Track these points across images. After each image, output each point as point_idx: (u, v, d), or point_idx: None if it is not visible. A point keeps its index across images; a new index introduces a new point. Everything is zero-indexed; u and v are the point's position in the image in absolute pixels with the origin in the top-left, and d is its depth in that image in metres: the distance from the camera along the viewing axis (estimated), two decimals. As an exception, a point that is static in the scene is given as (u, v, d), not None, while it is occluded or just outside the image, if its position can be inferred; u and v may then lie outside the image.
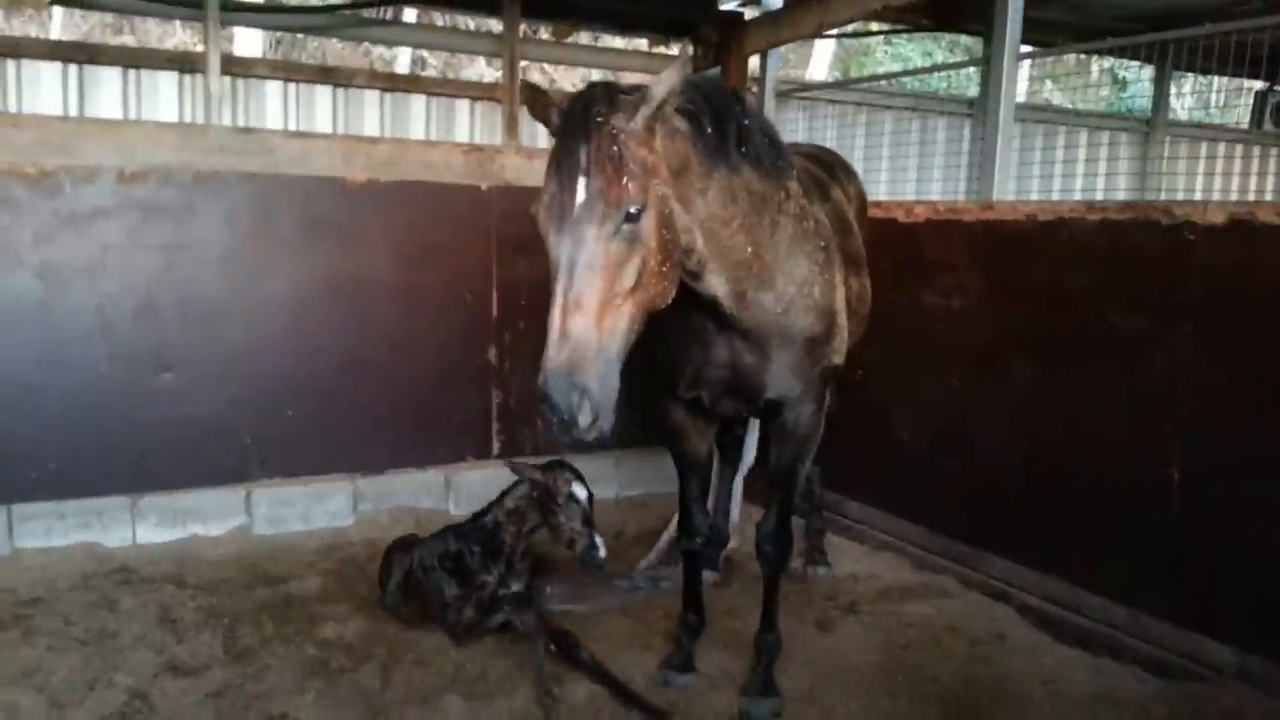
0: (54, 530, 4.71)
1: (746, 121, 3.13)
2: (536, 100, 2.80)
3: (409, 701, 3.44)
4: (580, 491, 3.78)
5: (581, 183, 2.56)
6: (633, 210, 2.59)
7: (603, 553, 3.71)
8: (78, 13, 14.12)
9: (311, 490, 5.23)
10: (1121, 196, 9.83)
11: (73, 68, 7.69)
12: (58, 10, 13.01)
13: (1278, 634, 3.49)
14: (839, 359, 3.54)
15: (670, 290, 2.82)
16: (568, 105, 2.70)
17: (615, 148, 2.61)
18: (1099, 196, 9.66)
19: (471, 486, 5.55)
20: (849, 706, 3.53)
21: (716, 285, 3.07)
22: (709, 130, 2.95)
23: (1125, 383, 4.01)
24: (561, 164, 2.61)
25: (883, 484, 5.25)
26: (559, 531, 3.77)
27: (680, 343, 3.39)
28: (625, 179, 2.59)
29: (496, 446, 5.76)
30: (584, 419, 2.52)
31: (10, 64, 7.47)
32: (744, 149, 3.08)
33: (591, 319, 2.55)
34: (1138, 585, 3.95)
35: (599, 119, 2.61)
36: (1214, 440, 3.70)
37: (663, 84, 2.65)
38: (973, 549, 4.68)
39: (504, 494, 4.00)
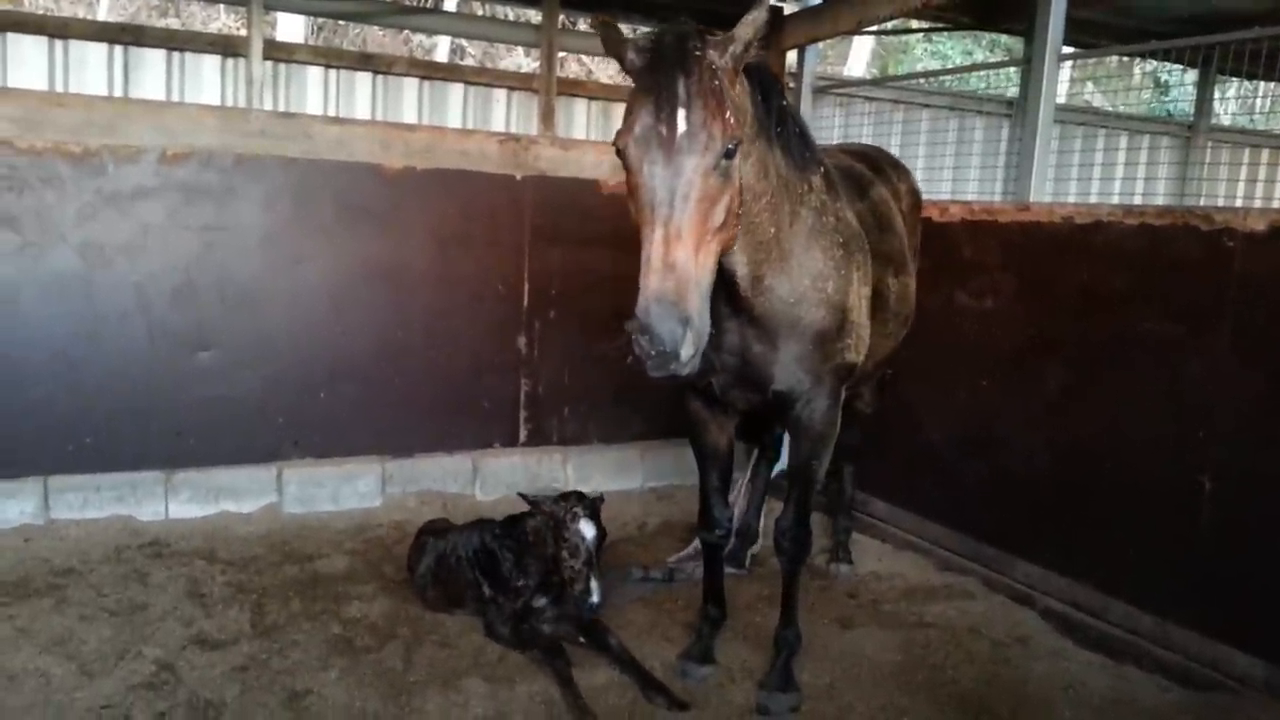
0: (89, 502, 4.80)
1: (785, 103, 3.15)
2: (610, 35, 2.78)
3: (431, 682, 3.48)
4: (588, 530, 3.73)
5: (682, 114, 2.55)
6: (731, 146, 2.62)
7: (596, 598, 3.66)
8: (124, -5, 14.31)
9: (342, 471, 5.30)
10: (1161, 201, 9.70)
11: (118, 49, 7.83)
12: (105, -8, 13.21)
13: (1306, 647, 3.46)
14: (854, 357, 3.51)
15: (735, 239, 2.84)
16: (655, 38, 2.69)
17: (716, 82, 2.63)
18: (1137, 201, 9.54)
19: (498, 473, 5.60)
20: (868, 704, 3.53)
21: (738, 262, 3.06)
22: (758, 97, 2.96)
23: (1159, 389, 3.97)
24: (659, 95, 2.58)
25: (910, 483, 5.23)
26: (561, 564, 3.75)
27: None
28: (727, 113, 2.62)
29: (524, 434, 5.79)
30: (686, 351, 2.50)
31: (58, 44, 7.60)
32: (780, 129, 3.10)
33: (691, 250, 2.55)
34: (1165, 593, 3.92)
35: (696, 52, 2.62)
36: (1248, 450, 3.66)
37: (749, 25, 2.69)
38: (998, 551, 4.66)
39: (530, 515, 3.98)
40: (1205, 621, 3.76)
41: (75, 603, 3.95)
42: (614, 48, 2.77)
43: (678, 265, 2.51)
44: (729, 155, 2.63)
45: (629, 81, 2.77)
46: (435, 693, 3.41)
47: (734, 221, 2.76)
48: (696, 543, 4.86)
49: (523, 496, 3.95)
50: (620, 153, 2.66)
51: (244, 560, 4.50)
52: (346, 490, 5.29)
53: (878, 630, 4.15)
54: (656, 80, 2.60)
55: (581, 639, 3.80)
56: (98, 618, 3.83)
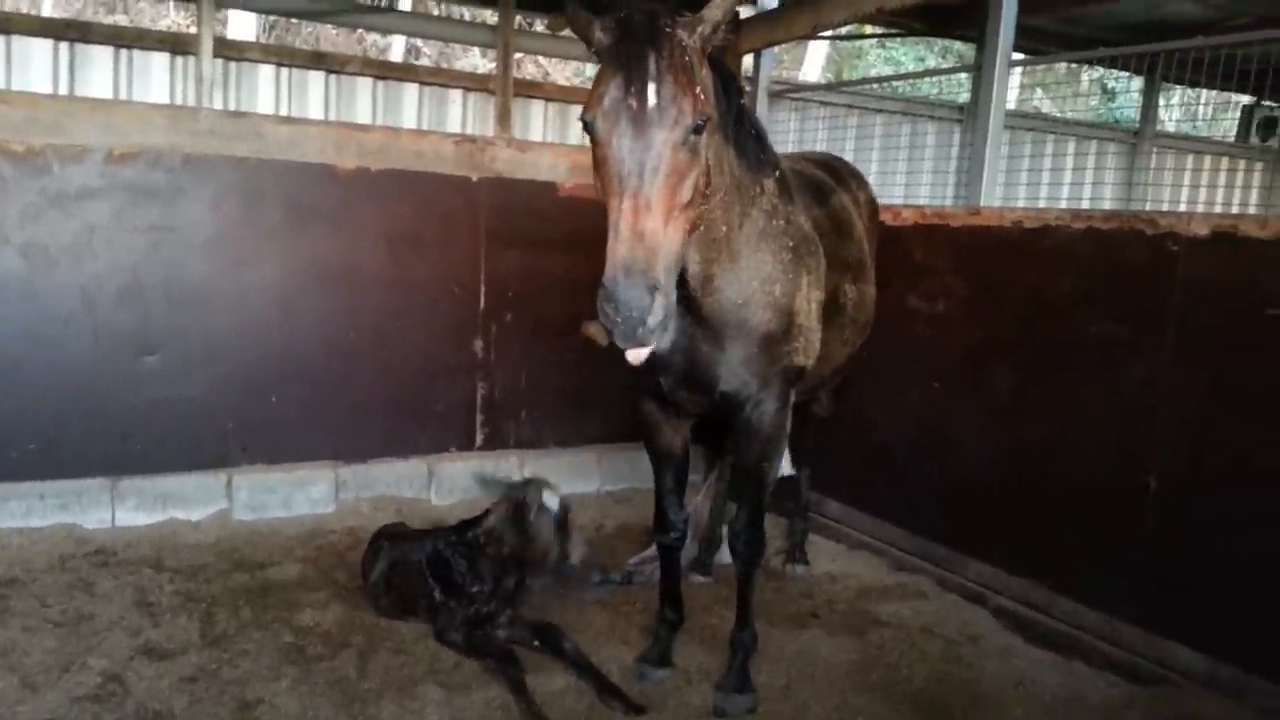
0: (33, 511, 4.68)
1: (743, 103, 3.16)
2: (578, 14, 2.76)
3: (386, 690, 3.44)
4: (551, 501, 3.76)
5: (653, 87, 2.55)
6: (700, 122, 2.62)
7: (575, 559, 3.69)
8: (69, -10, 14.03)
9: (293, 477, 5.22)
10: (1108, 206, 9.89)
11: (64, 46, 7.66)
12: (49, -13, 12.93)
13: (1249, 642, 3.54)
14: (803, 360, 3.51)
15: (698, 223, 2.84)
16: (624, 16, 2.68)
17: (686, 58, 2.65)
18: (1085, 205, 9.72)
19: (454, 477, 5.55)
20: (823, 704, 3.55)
21: (690, 260, 3.04)
22: (719, 89, 2.98)
23: (1105, 391, 4.04)
24: (629, 69, 2.58)
25: (864, 484, 5.28)
26: (533, 547, 3.75)
27: None
28: (697, 88, 2.63)
29: (480, 438, 5.76)
30: (654, 318, 2.48)
31: (1, 39, 7.42)
32: (737, 128, 3.12)
33: (660, 222, 2.54)
34: (1112, 591, 4.00)
35: (666, 29, 2.63)
36: (1192, 449, 3.74)
37: (719, 8, 2.70)
38: (950, 551, 4.72)
39: (486, 512, 3.97)
40: (1151, 618, 3.85)
41: (18, 613, 3.85)
42: (581, 26, 2.75)
43: (646, 234, 2.50)
44: (698, 131, 2.63)
45: (591, 70, 2.77)
46: (390, 701, 3.37)
47: (700, 201, 2.76)
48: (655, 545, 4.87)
49: (480, 481, 3.92)
50: (588, 125, 2.64)
51: (193, 568, 4.41)
52: (299, 496, 5.21)
53: (833, 630, 4.18)
54: (626, 54, 2.60)
55: (536, 643, 3.78)
56: (41, 629, 3.74)
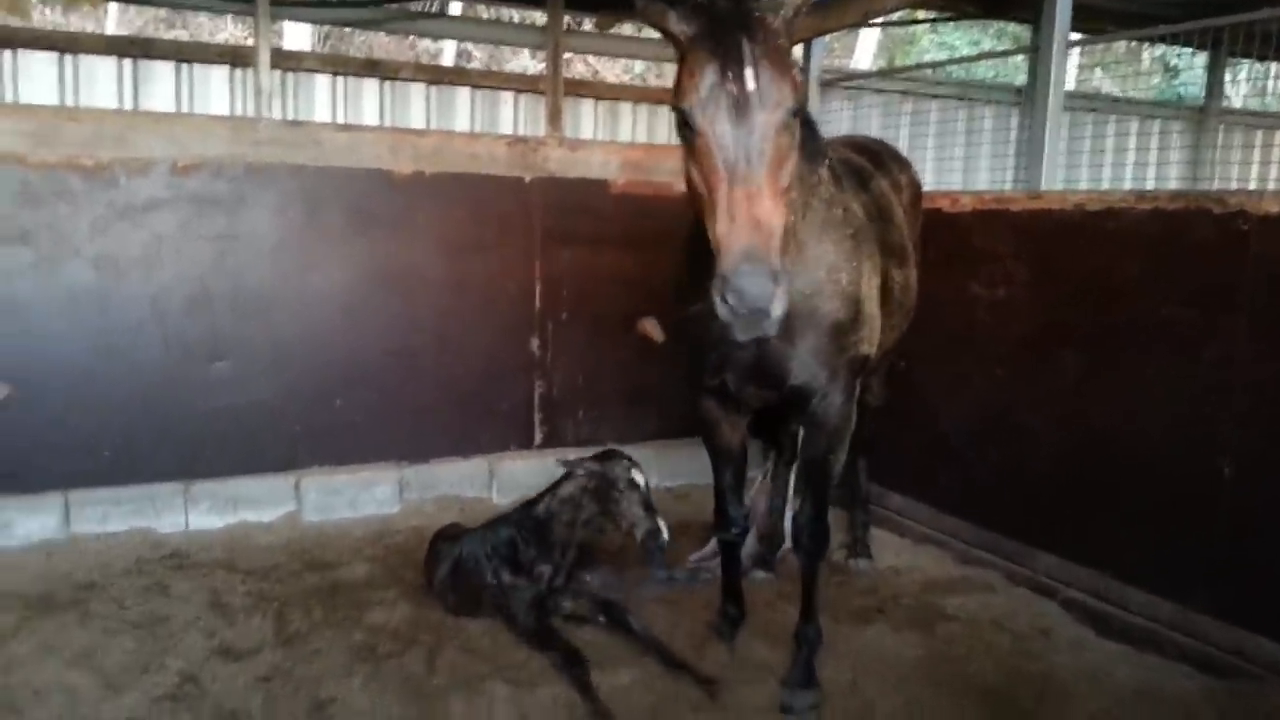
0: (110, 516, 4.82)
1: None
2: (649, 3, 2.74)
3: (454, 687, 3.49)
4: (639, 477, 3.82)
5: (752, 72, 2.53)
6: (795, 107, 2.62)
7: (666, 535, 3.74)
8: (132, 8, 14.41)
9: (359, 478, 5.31)
10: (1173, 186, 9.63)
11: (127, 62, 7.85)
12: (112, 6, 13.30)
13: (1332, 633, 3.43)
14: (868, 349, 3.49)
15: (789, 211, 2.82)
16: (706, 4, 2.68)
17: (780, 41, 2.65)
18: (1150, 186, 9.48)
19: (514, 476, 5.60)
20: (890, 700, 3.52)
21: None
22: None
23: (1176, 375, 3.94)
24: (726, 55, 2.56)
25: (927, 476, 5.21)
26: (619, 520, 3.80)
27: (706, 322, 3.37)
28: (794, 71, 2.63)
29: (539, 437, 5.80)
30: (777, 308, 2.45)
31: (68, 59, 7.64)
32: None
33: (772, 208, 2.52)
34: (1186, 581, 3.89)
35: (755, 14, 2.63)
36: (1268, 433, 3.63)
37: None
38: (1018, 543, 4.63)
39: (555, 485, 4.02)
40: (1227, 608, 3.74)
41: (98, 616, 3.97)
42: (655, 16, 2.73)
43: (762, 221, 2.47)
44: (795, 114, 2.62)
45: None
46: (458, 697, 3.41)
47: (793, 186, 2.75)
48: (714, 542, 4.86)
49: (564, 463, 3.97)
50: (686, 114, 2.60)
51: (265, 569, 4.51)
52: (364, 497, 5.30)
53: (898, 625, 4.13)
54: (721, 40, 2.58)
55: (601, 618, 3.86)
56: (121, 631, 3.85)
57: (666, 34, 2.74)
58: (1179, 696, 3.57)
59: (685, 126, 2.62)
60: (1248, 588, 3.69)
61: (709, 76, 2.56)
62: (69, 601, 4.10)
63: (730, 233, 2.46)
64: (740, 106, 2.52)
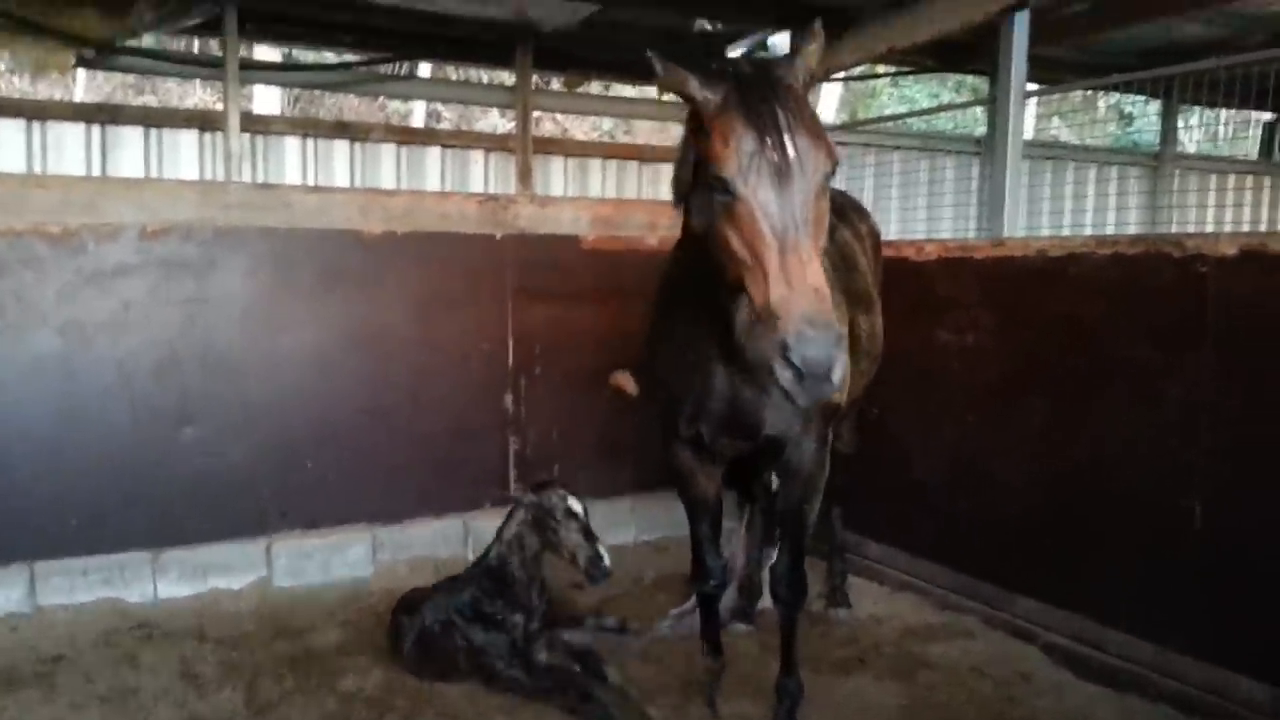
0: (76, 586, 4.72)
1: None
2: (670, 69, 2.73)
3: (430, 753, 3.42)
4: (575, 505, 3.83)
5: (790, 140, 2.56)
6: (831, 170, 2.65)
7: (607, 561, 3.72)
8: (100, 75, 14.46)
9: (331, 541, 5.24)
10: (1132, 231, 9.83)
11: (95, 128, 7.87)
12: (80, 73, 13.33)
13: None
14: (839, 397, 3.52)
15: None
16: (731, 68, 2.72)
17: (808, 110, 2.68)
18: (1110, 231, 9.66)
19: (489, 533, 5.50)
20: (874, 751, 3.49)
21: (742, 308, 3.07)
22: None
23: (1144, 416, 3.99)
24: (762, 124, 2.58)
25: (903, 523, 5.22)
26: (560, 549, 3.79)
27: (681, 373, 3.40)
28: (826, 136, 2.65)
29: (514, 493, 5.75)
30: (839, 372, 2.45)
31: (36, 126, 7.65)
32: None
33: (820, 271, 2.53)
34: (1164, 621, 3.90)
35: (784, 80, 2.68)
36: (1236, 470, 3.68)
37: (813, 55, 2.76)
38: (996, 588, 4.64)
39: (500, 529, 4.03)
40: (1205, 647, 3.75)
41: (65, 690, 3.87)
42: (676, 83, 2.74)
43: (819, 286, 2.48)
44: (829, 178, 2.66)
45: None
46: (435, 763, 3.35)
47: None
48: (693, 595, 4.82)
49: (497, 498, 3.97)
50: (726, 183, 2.59)
51: (235, 638, 4.43)
52: (336, 560, 5.23)
53: (880, 674, 4.11)
54: (755, 109, 2.60)
55: (577, 667, 3.83)
56: (89, 705, 3.75)
57: (688, 100, 2.75)
58: (1161, 738, 3.56)
59: (723, 193, 2.61)
60: (1224, 626, 3.70)
61: (748, 144, 2.57)
62: (34, 675, 4.00)
63: (790, 299, 2.46)
64: (784, 174, 2.54)
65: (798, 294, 2.46)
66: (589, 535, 3.77)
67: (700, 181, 2.80)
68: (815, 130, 2.63)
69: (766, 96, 2.62)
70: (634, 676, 4.06)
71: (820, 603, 4.84)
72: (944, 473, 4.94)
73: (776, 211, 2.53)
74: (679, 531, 5.46)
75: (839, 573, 4.94)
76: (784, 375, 2.45)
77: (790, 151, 2.56)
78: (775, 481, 3.81)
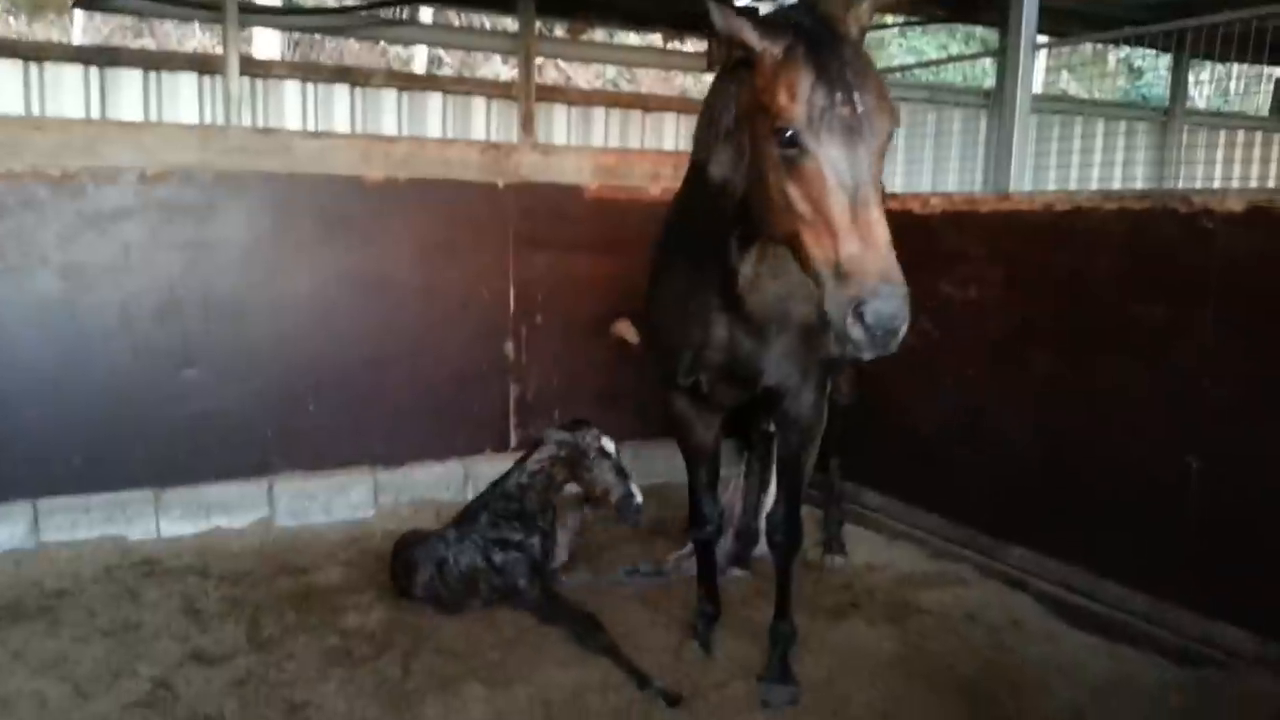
0: (79, 524, 4.77)
1: None
2: (728, 14, 2.66)
3: (430, 689, 3.48)
4: (609, 444, 3.91)
5: (858, 96, 2.52)
6: (892, 131, 2.61)
7: (639, 499, 3.81)
8: (98, 16, 14.27)
9: (333, 483, 5.29)
10: (1139, 186, 9.77)
11: (94, 71, 7.78)
12: (79, 14, 13.18)
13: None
14: (837, 348, 3.54)
15: None
16: (796, 20, 2.65)
17: (872, 66, 2.63)
18: (1116, 186, 9.60)
19: (489, 478, 5.49)
20: (866, 694, 3.54)
21: (748, 259, 3.13)
22: None
23: (1145, 371, 4.00)
24: (832, 78, 2.52)
25: (901, 474, 5.25)
26: (591, 486, 3.88)
27: (681, 322, 3.40)
28: (889, 96, 2.60)
29: (514, 439, 5.79)
30: (905, 326, 2.46)
31: (34, 68, 7.57)
32: None
33: (889, 231, 2.51)
34: (1156, 572, 3.95)
35: (848, 35, 2.63)
36: (1235, 428, 3.69)
37: (866, 11, 2.72)
38: (991, 538, 4.68)
39: (521, 459, 4.09)
40: (1196, 599, 3.80)
41: (69, 624, 3.93)
42: (733, 30, 2.67)
43: (889, 243, 2.47)
44: (890, 138, 2.63)
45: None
46: (434, 699, 3.41)
47: None
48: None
49: (536, 438, 4.03)
50: (792, 138, 2.54)
51: (237, 575, 4.48)
52: (339, 502, 5.28)
53: (873, 620, 4.17)
54: (824, 62, 2.54)
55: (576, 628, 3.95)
56: (92, 638, 3.81)
57: (744, 50, 2.68)
58: (1151, 686, 3.62)
59: (788, 147, 2.55)
60: (1216, 578, 3.75)
61: (819, 99, 2.51)
62: (38, 610, 4.05)
63: (864, 257, 2.44)
64: (854, 130, 2.51)
65: (872, 252, 2.44)
66: (622, 473, 3.82)
67: (748, 134, 2.74)
68: (880, 88, 2.58)
69: (836, 50, 2.56)
70: (630, 618, 4.12)
71: (816, 550, 4.89)
72: (944, 425, 4.96)
73: (847, 168, 2.50)
74: (678, 478, 5.51)
75: (835, 521, 4.99)
76: (855, 332, 2.45)
77: (860, 107, 2.52)
78: (774, 430, 3.84)
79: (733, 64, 2.83)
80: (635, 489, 3.81)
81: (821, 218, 2.52)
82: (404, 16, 8.99)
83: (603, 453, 3.86)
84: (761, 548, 4.78)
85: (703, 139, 3.10)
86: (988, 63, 10.10)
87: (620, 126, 9.65)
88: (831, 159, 2.50)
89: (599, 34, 10.74)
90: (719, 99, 2.98)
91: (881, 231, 2.46)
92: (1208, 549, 3.78)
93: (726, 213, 3.02)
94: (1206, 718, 3.33)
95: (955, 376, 4.87)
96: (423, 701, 3.39)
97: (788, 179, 2.59)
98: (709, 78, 6.30)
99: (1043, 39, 6.42)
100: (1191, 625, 3.80)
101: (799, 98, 2.53)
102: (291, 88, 8.55)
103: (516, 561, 3.96)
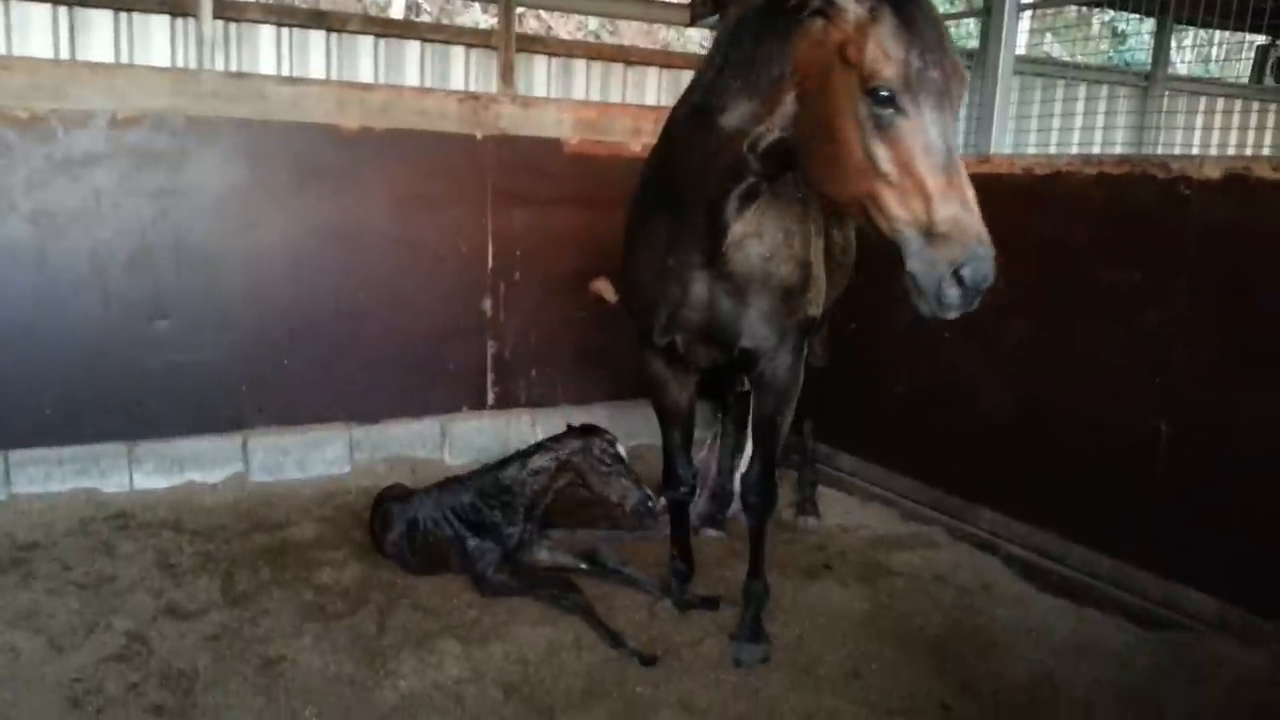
0: (51, 476, 4.73)
1: None
2: None
3: (405, 645, 3.49)
4: (622, 451, 3.90)
5: (950, 62, 2.53)
6: (964, 94, 2.63)
7: (654, 503, 3.82)
8: (65, -47, 13.87)
9: (308, 438, 5.26)
10: (1119, 151, 9.78)
11: (63, 10, 7.59)
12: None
13: (1259, 586, 3.56)
14: (815, 310, 3.54)
15: None
16: None
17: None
18: (1097, 151, 9.61)
19: (467, 436, 5.59)
20: (836, 653, 3.60)
21: (737, 220, 3.14)
22: None
23: (1118, 337, 4.03)
24: (925, 39, 2.50)
25: (875, 436, 5.29)
26: (607, 493, 3.85)
27: (659, 280, 3.39)
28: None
29: (491, 397, 5.78)
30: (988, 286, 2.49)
31: (0, 6, 7.37)
32: None
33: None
34: (1123, 537, 4.01)
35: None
36: (1203, 395, 3.74)
37: None
38: (962, 501, 4.74)
39: (526, 454, 4.03)
40: (1162, 563, 3.87)
41: (41, 576, 3.91)
42: None
43: (977, 205, 2.50)
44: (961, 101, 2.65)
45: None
46: (409, 655, 3.42)
47: None
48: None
49: (544, 443, 4.03)
50: (889, 99, 2.50)
51: (212, 530, 4.47)
52: (314, 457, 5.26)
53: (845, 580, 4.22)
54: (917, 23, 2.51)
55: (584, 565, 4.05)
56: (65, 591, 3.79)
57: (812, 6, 2.62)
58: (1116, 649, 3.68)
59: (881, 107, 2.51)
60: (1181, 542, 3.81)
61: (914, 60, 2.49)
62: (10, 562, 4.03)
63: (963, 219, 2.46)
64: (946, 93, 2.52)
65: (969, 215, 2.47)
66: (636, 480, 3.83)
67: (816, 88, 2.67)
68: (954, 51, 2.59)
69: (924, 9, 2.55)
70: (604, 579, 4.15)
71: (790, 512, 4.93)
72: (918, 388, 4.99)
73: (939, 131, 2.51)
74: (655, 439, 5.53)
75: (809, 483, 5.03)
76: (951, 292, 2.49)
77: (952, 72, 2.53)
78: (750, 392, 3.84)
79: (783, 11, 2.71)
80: (650, 493, 3.81)
81: (912, 179, 2.52)
82: (382, -39, 8.80)
83: (618, 459, 3.84)
84: (735, 508, 4.83)
85: (716, 85, 2.97)
86: (971, 23, 10.02)
87: (601, 80, 9.54)
88: (927, 121, 2.50)
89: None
90: (755, 47, 2.84)
91: (973, 194, 2.50)
92: (1175, 514, 3.84)
93: (732, 166, 2.98)
94: (1171, 681, 3.39)
95: (930, 339, 4.89)
96: (398, 657, 3.41)
97: (876, 139, 2.55)
98: (692, 32, 6.21)
99: (1027, 0, 6.37)
100: (1156, 589, 3.87)
101: (894, 57, 2.50)
102: (266, 32, 8.39)
103: (488, 550, 3.93)
